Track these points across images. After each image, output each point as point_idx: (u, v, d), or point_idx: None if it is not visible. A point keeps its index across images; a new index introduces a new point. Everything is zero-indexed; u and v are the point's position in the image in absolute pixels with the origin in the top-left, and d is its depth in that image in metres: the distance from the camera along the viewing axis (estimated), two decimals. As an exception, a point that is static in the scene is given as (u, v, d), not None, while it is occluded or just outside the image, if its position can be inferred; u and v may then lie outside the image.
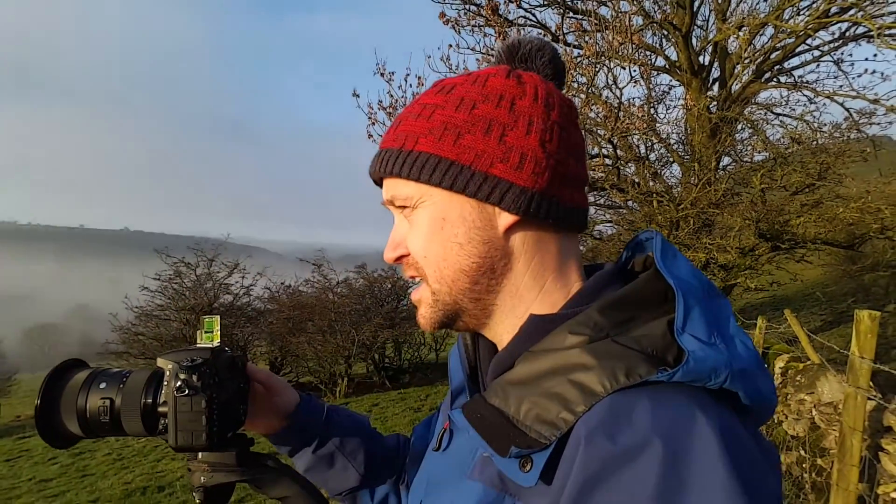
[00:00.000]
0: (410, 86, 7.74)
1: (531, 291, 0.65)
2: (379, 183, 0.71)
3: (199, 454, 0.75)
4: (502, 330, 0.67)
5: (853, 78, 9.82)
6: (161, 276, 12.51)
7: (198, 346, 0.78)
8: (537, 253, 0.65)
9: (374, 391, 11.65)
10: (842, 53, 10.04)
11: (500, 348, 0.68)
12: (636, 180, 9.24)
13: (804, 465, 4.22)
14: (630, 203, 9.71)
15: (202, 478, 0.74)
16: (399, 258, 0.68)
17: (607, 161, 9.15)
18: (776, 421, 5.09)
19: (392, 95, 7.98)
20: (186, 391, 0.70)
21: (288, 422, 0.89)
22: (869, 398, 3.10)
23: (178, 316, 12.24)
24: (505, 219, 0.63)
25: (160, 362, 0.75)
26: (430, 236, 0.64)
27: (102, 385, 0.73)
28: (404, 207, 0.66)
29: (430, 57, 8.12)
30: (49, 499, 6.74)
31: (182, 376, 0.71)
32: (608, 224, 11.64)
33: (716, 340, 0.54)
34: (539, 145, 0.62)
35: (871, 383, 3.12)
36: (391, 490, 0.94)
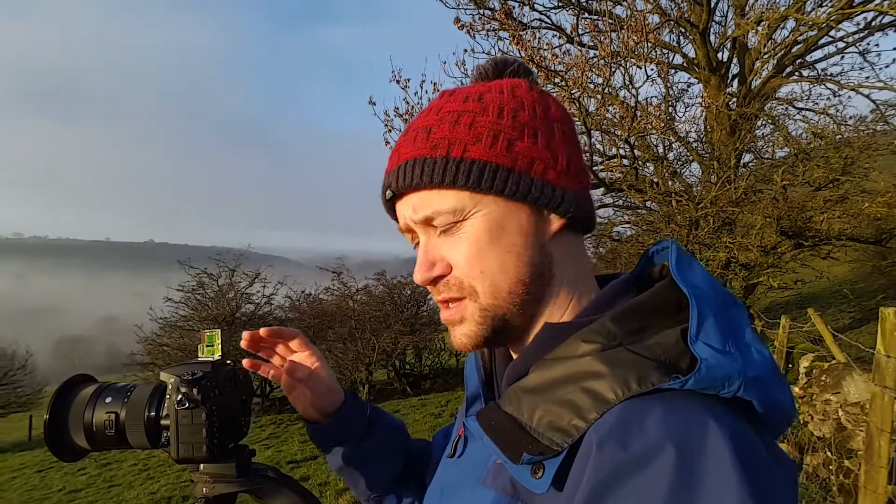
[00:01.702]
0: (426, 92, 7.79)
1: (566, 298, 0.66)
2: (392, 201, 0.67)
3: (201, 466, 0.76)
4: (528, 339, 0.67)
5: (880, 69, 9.59)
6: (184, 286, 12.74)
7: (199, 359, 0.80)
8: (574, 257, 0.67)
9: (395, 398, 11.68)
10: (867, 44, 9.83)
11: (514, 356, 0.68)
12: (655, 180, 9.14)
13: (831, 467, 4.12)
14: (649, 203, 9.61)
15: (204, 489, 0.75)
16: (437, 279, 0.64)
17: (625, 161, 9.08)
18: (802, 422, 4.98)
19: (408, 102, 8.03)
20: (187, 404, 0.72)
21: (332, 418, 0.88)
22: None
23: (201, 326, 12.44)
24: (555, 224, 0.64)
25: (163, 376, 0.76)
26: (488, 248, 0.62)
27: (108, 399, 0.75)
28: (452, 222, 0.62)
29: (445, 63, 8.19)
30: (79, 508, 6.90)
31: (183, 390, 0.72)
32: (627, 225, 11.55)
33: (730, 348, 0.53)
34: (574, 151, 0.66)
35: (898, 383, 3.03)
36: (416, 497, 0.93)
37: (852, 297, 12.82)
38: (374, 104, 8.02)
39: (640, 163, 9.28)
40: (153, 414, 0.74)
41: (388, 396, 11.89)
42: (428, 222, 0.64)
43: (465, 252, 0.62)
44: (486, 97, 0.64)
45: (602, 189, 9.21)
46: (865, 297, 12.82)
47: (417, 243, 0.68)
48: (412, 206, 0.64)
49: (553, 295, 0.65)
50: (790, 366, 6.06)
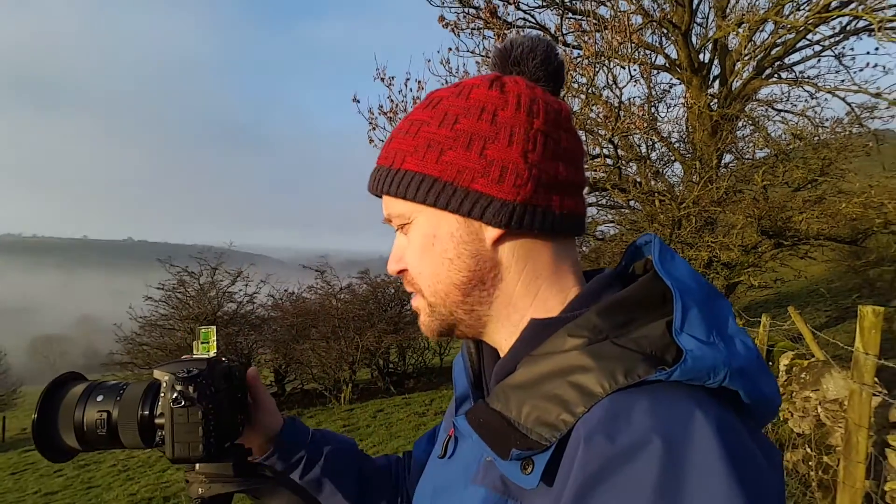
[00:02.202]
0: (411, 90, 7.77)
1: (524, 299, 0.66)
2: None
3: (197, 465, 0.74)
4: (500, 337, 0.68)
5: (855, 72, 9.80)
6: (165, 285, 12.54)
7: (194, 356, 0.78)
8: (528, 262, 0.66)
9: (379, 397, 11.64)
10: (843, 48, 10.03)
11: (501, 354, 0.69)
12: (638, 180, 9.23)
13: (810, 463, 4.20)
14: (632, 203, 9.69)
15: (200, 489, 0.73)
16: (400, 272, 0.70)
17: (608, 161, 9.15)
18: (781, 419, 5.06)
19: (392, 100, 8.01)
20: (183, 402, 0.70)
21: (273, 444, 0.87)
22: (874, 394, 3.08)
23: (182, 325, 12.27)
24: (491, 232, 0.64)
25: (157, 374, 0.75)
26: (423, 253, 0.66)
27: (99, 398, 0.73)
28: (402, 224, 0.68)
29: (430, 61, 8.13)
30: (56, 510, 6.76)
31: (178, 388, 0.71)
32: (610, 224, 11.63)
33: (714, 340, 0.54)
34: (521, 156, 0.62)
35: (875, 379, 3.10)
36: None
37: (828, 296, 13.09)
38: (358, 102, 7.98)
39: (623, 162, 9.36)
40: (147, 413, 0.73)
41: (372, 395, 11.85)
42: (389, 221, 0.70)
43: (410, 254, 0.68)
44: (442, 103, 0.66)
45: (586, 188, 9.28)
46: (841, 295, 13.10)
47: None
48: (384, 206, 0.70)
49: (505, 296, 0.66)
50: (770, 363, 6.17)
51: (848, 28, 9.63)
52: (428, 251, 0.66)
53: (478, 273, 0.65)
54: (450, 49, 7.98)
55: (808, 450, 4.30)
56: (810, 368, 4.83)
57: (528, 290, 0.66)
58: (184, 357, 0.78)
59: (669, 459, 0.46)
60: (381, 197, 0.70)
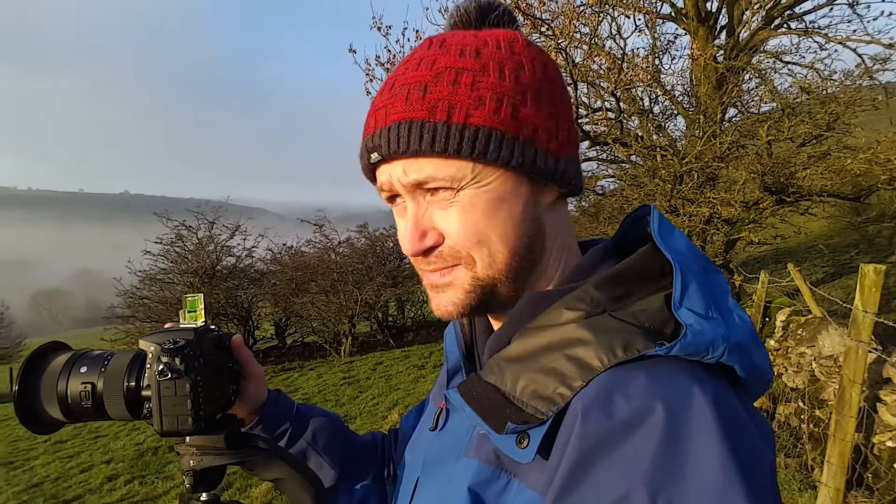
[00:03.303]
0: (409, 40, 7.53)
1: (553, 268, 0.65)
2: (375, 164, 0.61)
3: (187, 438, 0.72)
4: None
5: (868, 22, 9.45)
6: (163, 239, 12.50)
7: (181, 326, 0.75)
8: (561, 228, 0.65)
9: (378, 350, 11.81)
10: (859, -7, 9.64)
11: (495, 326, 0.67)
12: (640, 134, 9.07)
13: (802, 416, 4.28)
14: (633, 157, 9.57)
15: (191, 461, 0.71)
16: (429, 250, 0.61)
17: (610, 115, 8.97)
18: (776, 374, 5.14)
19: (390, 50, 7.78)
20: (169, 375, 0.67)
21: (257, 415, 0.86)
22: (870, 351, 3.11)
23: (181, 279, 12.30)
24: (551, 195, 0.62)
25: (142, 344, 0.71)
26: (486, 219, 0.58)
27: (83, 369, 0.71)
28: (438, 190, 0.58)
29: (427, 9, 7.86)
30: (64, 459, 6.95)
31: (164, 359, 0.68)
32: (611, 179, 11.53)
33: (713, 314, 0.53)
34: (570, 116, 0.63)
35: (872, 336, 3.11)
36: (371, 487, 0.92)
37: (826, 252, 13.12)
38: (355, 52, 7.75)
39: (625, 116, 9.19)
40: (133, 384, 0.70)
41: (372, 348, 12.02)
42: (420, 186, 0.59)
43: (461, 222, 0.58)
44: (483, 52, 0.58)
45: (587, 143, 9.13)
46: (838, 251, 13.13)
47: (395, 203, 0.63)
48: (402, 169, 0.58)
49: (543, 265, 0.64)
50: (767, 319, 6.22)
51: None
52: (493, 216, 0.58)
53: (533, 239, 0.62)
54: (449, -4, 7.68)
55: (801, 404, 4.38)
56: (807, 325, 4.87)
57: (559, 258, 0.65)
58: (167, 326, 0.75)
59: (667, 435, 0.46)
60: (404, 158, 0.58)
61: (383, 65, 7.81)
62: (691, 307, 0.53)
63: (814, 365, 4.42)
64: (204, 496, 0.73)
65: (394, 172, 0.59)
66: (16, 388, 0.69)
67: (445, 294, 0.62)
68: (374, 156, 0.60)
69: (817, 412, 4.16)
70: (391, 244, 13.12)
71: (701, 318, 0.52)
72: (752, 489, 0.43)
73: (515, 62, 0.59)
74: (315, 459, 0.88)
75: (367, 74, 7.79)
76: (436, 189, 0.58)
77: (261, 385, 0.86)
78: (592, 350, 0.53)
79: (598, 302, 0.56)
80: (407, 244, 0.60)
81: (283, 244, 13.93)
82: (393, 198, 0.63)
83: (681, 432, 0.46)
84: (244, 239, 13.46)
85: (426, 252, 0.61)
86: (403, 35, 7.49)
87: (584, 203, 12.66)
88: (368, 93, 7.82)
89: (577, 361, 0.53)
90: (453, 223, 0.59)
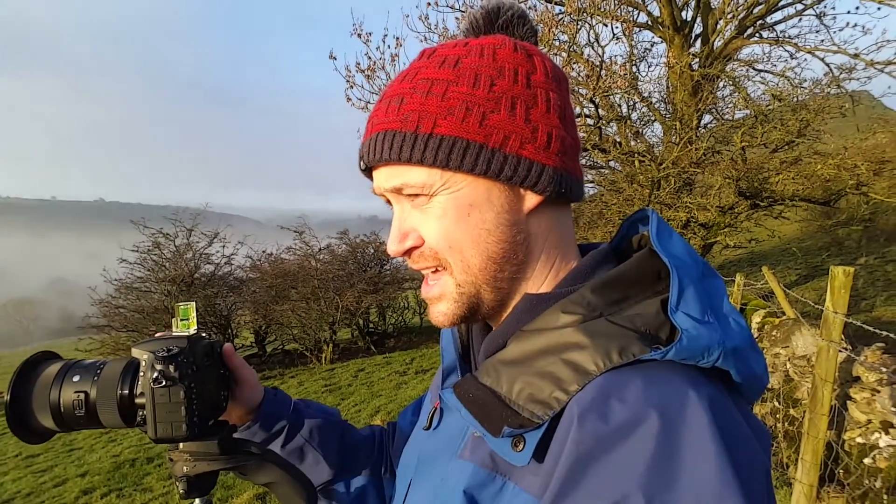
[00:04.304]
0: (389, 46, 7.57)
1: (543, 273, 0.65)
2: (369, 168, 0.65)
3: (180, 444, 0.73)
4: (506, 312, 0.66)
5: (835, 32, 9.83)
6: (139, 247, 12.28)
7: (173, 334, 0.76)
8: (552, 232, 0.65)
9: (360, 356, 11.75)
10: (824, 6, 9.97)
11: (493, 327, 0.68)
12: (618, 140, 9.21)
13: (777, 416, 4.39)
14: (612, 163, 9.71)
15: (185, 468, 0.72)
16: (409, 251, 0.64)
17: (589, 121, 9.10)
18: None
19: (370, 57, 7.79)
20: (164, 382, 0.68)
21: (254, 415, 0.87)
22: (840, 350, 3.20)
23: (158, 287, 12.09)
24: (531, 200, 0.62)
25: (135, 352, 0.72)
26: (456, 224, 0.60)
27: (76, 378, 0.71)
28: (416, 196, 0.61)
29: (407, 16, 7.88)
30: (37, 474, 6.76)
31: (158, 367, 0.69)
32: (590, 185, 11.66)
33: (709, 319, 0.53)
34: (559, 122, 0.61)
35: (842, 336, 3.21)
36: (369, 482, 0.92)
37: (799, 255, 13.44)
38: (335, 59, 7.75)
39: (604, 122, 9.32)
40: (126, 392, 0.71)
41: (353, 355, 11.95)
42: (398, 191, 0.62)
43: (434, 227, 0.61)
44: (463, 62, 0.60)
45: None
46: (811, 254, 13.48)
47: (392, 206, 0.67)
48: (385, 175, 0.63)
49: (530, 270, 0.64)
50: (758, 345, 6.36)
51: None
52: (463, 222, 0.60)
53: (513, 245, 0.62)
54: (428, 3, 7.74)
55: (777, 403, 4.48)
56: (781, 326, 4.98)
57: (548, 264, 0.65)
58: (158, 335, 0.76)
59: (663, 439, 0.46)
60: (385, 166, 0.62)
61: (363, 71, 7.82)
62: (688, 311, 0.53)
63: (788, 365, 4.53)
64: (197, 502, 0.74)
65: (378, 178, 0.64)
66: (7, 397, 0.69)
67: (438, 305, 0.65)
68: (362, 163, 0.65)
69: (791, 411, 4.26)
70: (372, 250, 13.09)
71: (697, 322, 0.52)
72: (747, 493, 0.44)
73: (495, 69, 0.60)
74: (312, 455, 0.88)
75: (348, 81, 7.80)
76: (414, 195, 0.61)
77: (255, 388, 0.87)
78: (588, 354, 0.53)
79: (595, 306, 0.57)
80: (390, 245, 0.65)
81: (263, 251, 13.79)
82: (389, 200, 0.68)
83: (676, 437, 0.46)
84: (223, 246, 13.30)
85: (408, 252, 0.64)
86: (384, 42, 7.53)
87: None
88: (349, 99, 7.83)
89: (573, 365, 0.53)
90: (429, 227, 0.62)
